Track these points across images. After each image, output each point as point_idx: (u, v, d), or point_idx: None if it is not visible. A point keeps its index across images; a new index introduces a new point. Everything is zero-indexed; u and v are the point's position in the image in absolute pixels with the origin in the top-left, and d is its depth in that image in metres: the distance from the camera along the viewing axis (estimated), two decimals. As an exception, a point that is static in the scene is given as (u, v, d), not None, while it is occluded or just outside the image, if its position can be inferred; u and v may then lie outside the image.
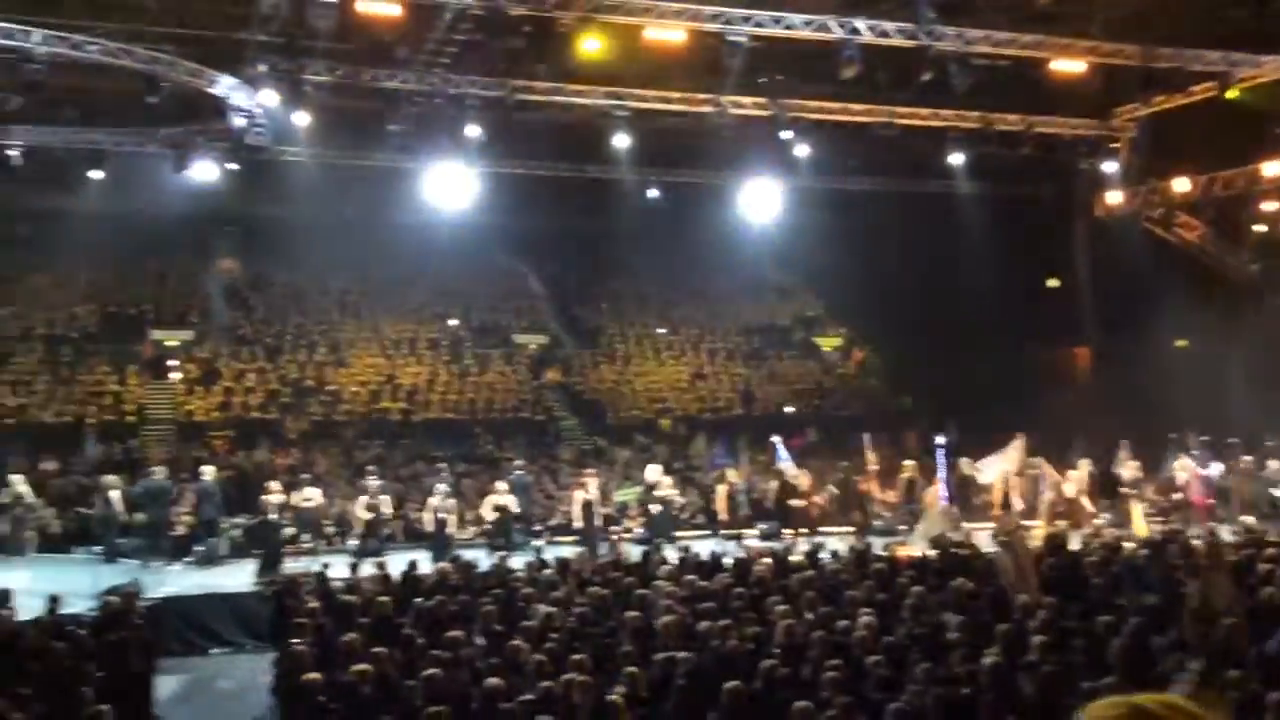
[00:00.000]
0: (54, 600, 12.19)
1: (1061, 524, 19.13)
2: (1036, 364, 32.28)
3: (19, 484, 19.96)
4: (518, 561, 15.82)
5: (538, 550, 16.58)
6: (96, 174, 27.42)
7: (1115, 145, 26.39)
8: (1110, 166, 26.87)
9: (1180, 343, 30.09)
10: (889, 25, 19.50)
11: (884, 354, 35.41)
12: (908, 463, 22.53)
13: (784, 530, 20.66)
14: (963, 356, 30.97)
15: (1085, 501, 20.65)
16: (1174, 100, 23.96)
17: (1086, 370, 33.67)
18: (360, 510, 19.38)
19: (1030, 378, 30.74)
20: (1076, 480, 20.93)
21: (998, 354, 30.56)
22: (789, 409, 31.80)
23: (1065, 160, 27.60)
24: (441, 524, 18.91)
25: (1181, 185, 27.59)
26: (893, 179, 31.39)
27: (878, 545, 17.61)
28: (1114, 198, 28.55)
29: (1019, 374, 30.22)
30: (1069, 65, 21.67)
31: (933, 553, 16.15)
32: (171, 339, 30.95)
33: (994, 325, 30.39)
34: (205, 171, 27.82)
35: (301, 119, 22.61)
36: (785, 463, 22.08)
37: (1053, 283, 34.44)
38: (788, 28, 19.26)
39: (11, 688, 9.10)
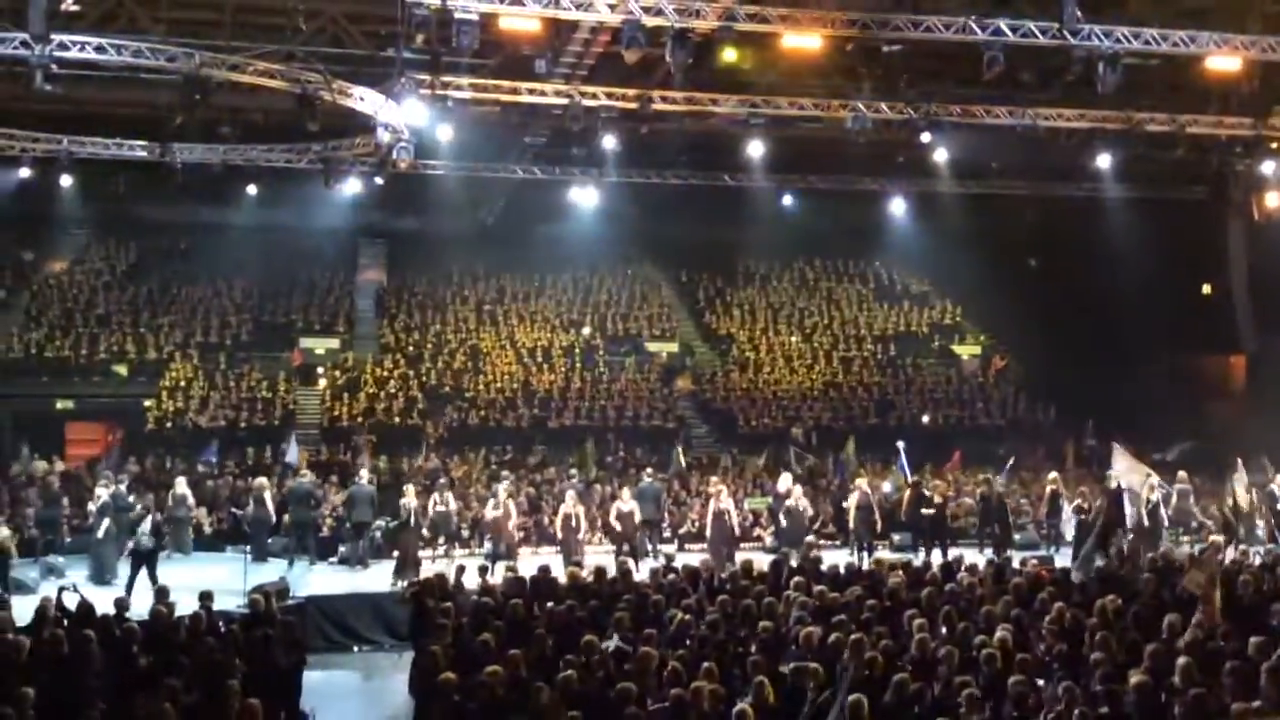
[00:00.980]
0: (206, 597, 12.72)
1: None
2: (1189, 373, 31.00)
3: (180, 485, 20.98)
4: (645, 568, 15.89)
5: (669, 558, 16.62)
6: (251, 189, 28.69)
7: (1275, 145, 25.11)
8: (1269, 167, 25.62)
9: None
10: (1033, 25, 18.96)
11: (1026, 363, 34.44)
12: (1051, 475, 21.85)
13: (919, 542, 20.29)
14: (1110, 366, 29.95)
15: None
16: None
17: (1242, 379, 32.15)
18: (494, 514, 19.72)
19: (1182, 387, 29.55)
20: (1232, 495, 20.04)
21: (1147, 363, 29.47)
22: (926, 418, 31.20)
23: (1219, 162, 26.41)
24: (573, 529, 19.13)
25: (1347, 186, 26.17)
26: (1036, 182, 30.59)
27: (1017, 559, 17.16)
28: (1273, 200, 27.20)
29: (1170, 384, 29.07)
30: (1224, 62, 20.74)
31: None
32: (319, 347, 32.08)
33: (1143, 333, 29.32)
34: (353, 185, 28.89)
35: (444, 133, 23.19)
36: (904, 471, 21.84)
37: (1206, 289, 33.04)
38: (927, 30, 18.90)
39: (166, 680, 9.55)
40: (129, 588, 16.13)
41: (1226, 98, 23.37)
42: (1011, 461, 23.28)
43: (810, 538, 19.65)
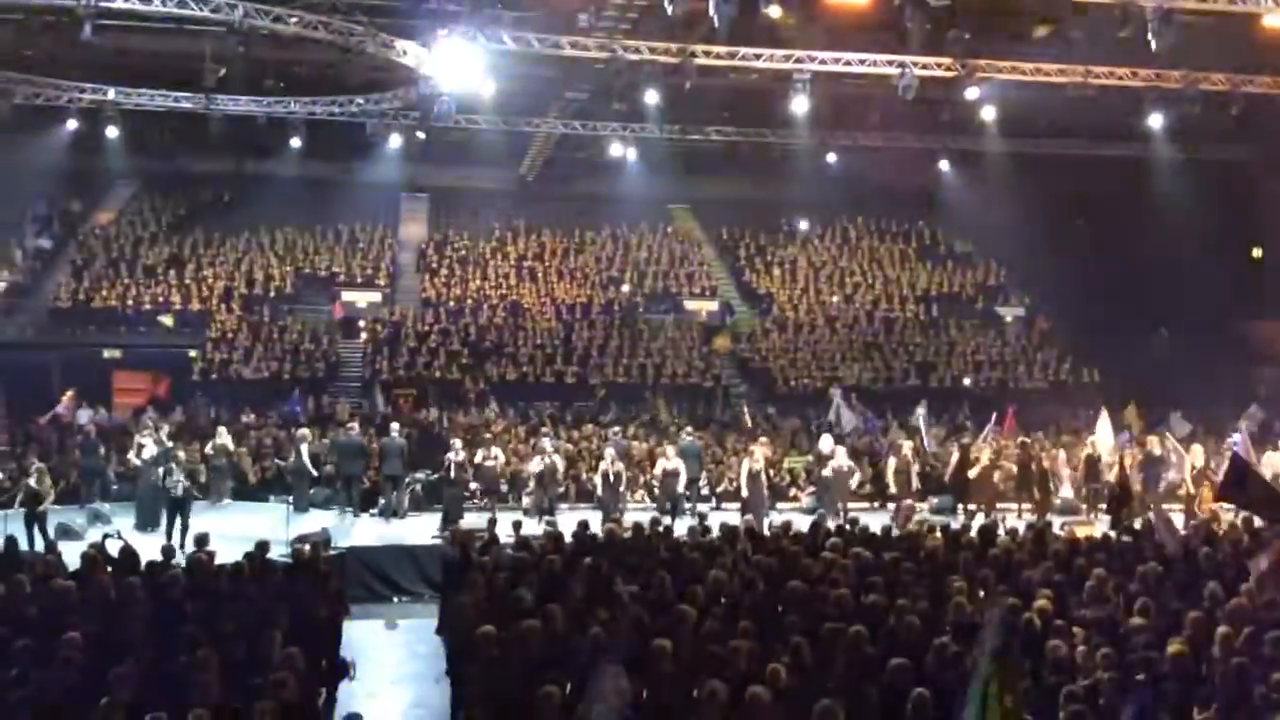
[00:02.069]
0: (261, 547, 12.79)
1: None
2: (1238, 338, 30.49)
3: (223, 436, 21.22)
4: (683, 526, 15.93)
5: (703, 516, 16.64)
6: (294, 142, 28.80)
7: (1331, 104, 24.47)
8: (1325, 128, 25.01)
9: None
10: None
11: (1070, 326, 34.01)
12: (1092, 438, 21.62)
13: (959, 505, 20.18)
14: (1157, 330, 29.56)
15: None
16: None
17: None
18: (534, 470, 19.81)
19: (1231, 353, 29.08)
20: (1269, 463, 19.77)
21: (1195, 327, 29.02)
22: (968, 381, 30.96)
23: (1273, 122, 25.79)
24: (611, 485, 19.17)
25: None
26: (1085, 141, 30.08)
27: (1057, 524, 17.04)
28: (1329, 161, 26.59)
29: (1219, 349, 28.62)
30: (1281, 19, 20.23)
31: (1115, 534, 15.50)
32: (360, 300, 32.27)
33: (1192, 297, 28.85)
34: (395, 139, 28.91)
35: (486, 87, 23.12)
36: (923, 433, 21.80)
37: (1257, 252, 32.44)
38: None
39: (209, 628, 9.71)
40: (169, 534, 16.43)
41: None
42: (994, 420, 22.92)
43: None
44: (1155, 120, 25.09)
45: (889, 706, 8.21)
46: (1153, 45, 18.99)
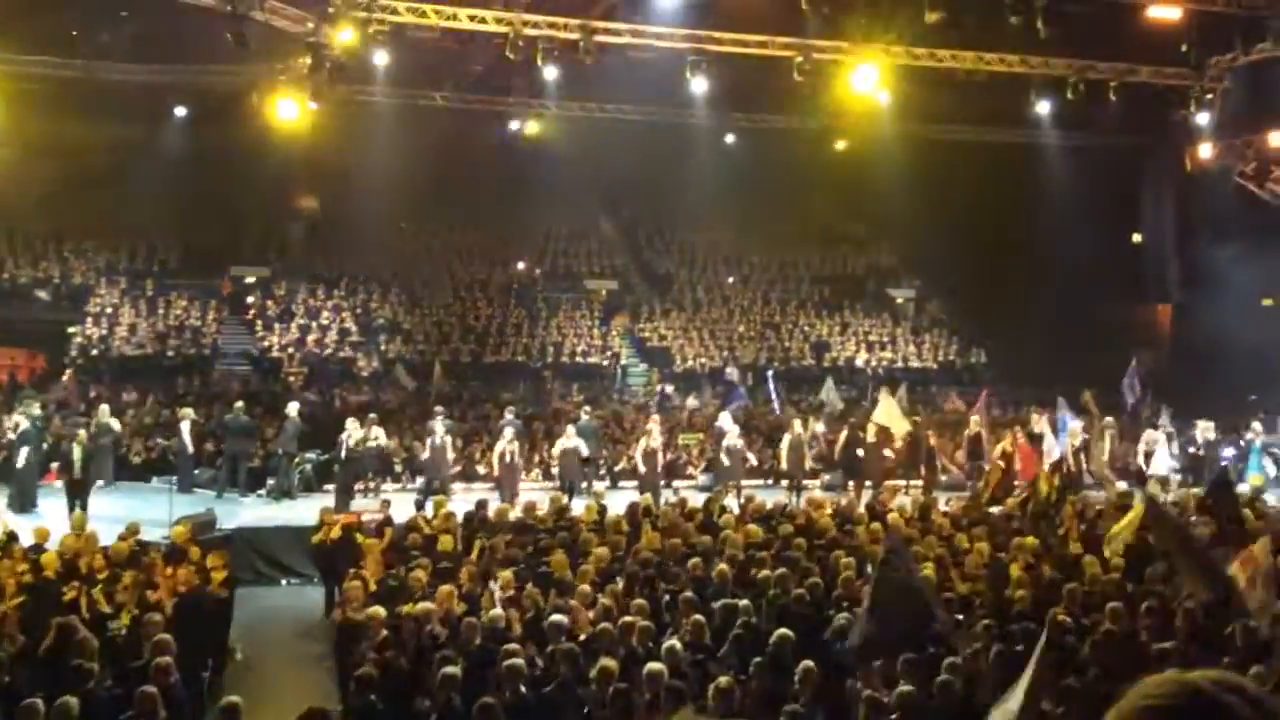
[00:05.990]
0: (131, 530, 12.43)
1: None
2: (1116, 321, 31.51)
3: (105, 415, 20.41)
4: (580, 505, 15.92)
5: (599, 496, 16.64)
6: (180, 110, 27.88)
7: (1209, 96, 25.35)
8: (1203, 119, 25.87)
9: (1267, 301, 29.29)
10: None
11: (958, 308, 34.79)
12: (974, 419, 22.17)
13: (849, 482, 20.49)
14: (1039, 312, 30.34)
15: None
16: (1274, 50, 23.01)
17: (1167, 328, 32.84)
18: (427, 450, 19.54)
19: (1108, 335, 30.03)
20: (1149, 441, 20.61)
21: (1076, 310, 29.87)
22: (860, 361, 31.49)
23: (1155, 112, 26.66)
24: (509, 466, 19.04)
25: (1278, 139, 26.63)
26: (974, 127, 30.67)
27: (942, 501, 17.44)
28: (1205, 151, 27.54)
29: (1097, 331, 29.53)
30: (1164, 11, 20.92)
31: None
32: (250, 276, 31.44)
33: (1073, 280, 29.67)
34: (285, 109, 28.14)
35: (381, 58, 22.66)
36: (774, 400, 22.05)
37: (1136, 238, 33.55)
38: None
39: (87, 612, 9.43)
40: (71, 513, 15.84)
41: (1166, 48, 23.58)
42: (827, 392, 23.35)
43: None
44: (1043, 107, 25.72)
45: (781, 680, 8.33)
46: (1043, 33, 19.48)
